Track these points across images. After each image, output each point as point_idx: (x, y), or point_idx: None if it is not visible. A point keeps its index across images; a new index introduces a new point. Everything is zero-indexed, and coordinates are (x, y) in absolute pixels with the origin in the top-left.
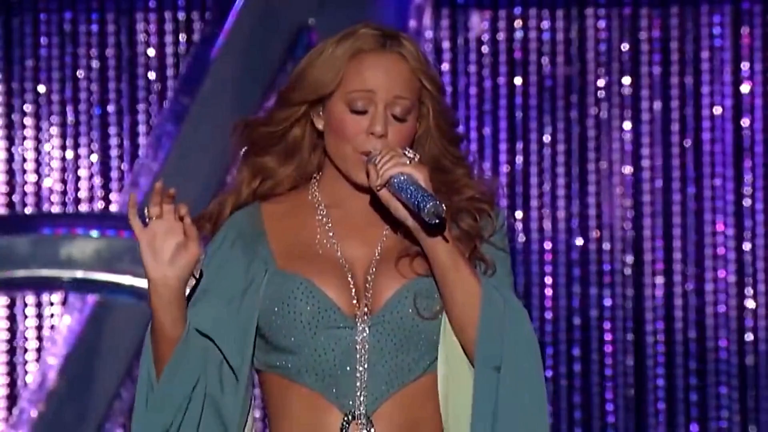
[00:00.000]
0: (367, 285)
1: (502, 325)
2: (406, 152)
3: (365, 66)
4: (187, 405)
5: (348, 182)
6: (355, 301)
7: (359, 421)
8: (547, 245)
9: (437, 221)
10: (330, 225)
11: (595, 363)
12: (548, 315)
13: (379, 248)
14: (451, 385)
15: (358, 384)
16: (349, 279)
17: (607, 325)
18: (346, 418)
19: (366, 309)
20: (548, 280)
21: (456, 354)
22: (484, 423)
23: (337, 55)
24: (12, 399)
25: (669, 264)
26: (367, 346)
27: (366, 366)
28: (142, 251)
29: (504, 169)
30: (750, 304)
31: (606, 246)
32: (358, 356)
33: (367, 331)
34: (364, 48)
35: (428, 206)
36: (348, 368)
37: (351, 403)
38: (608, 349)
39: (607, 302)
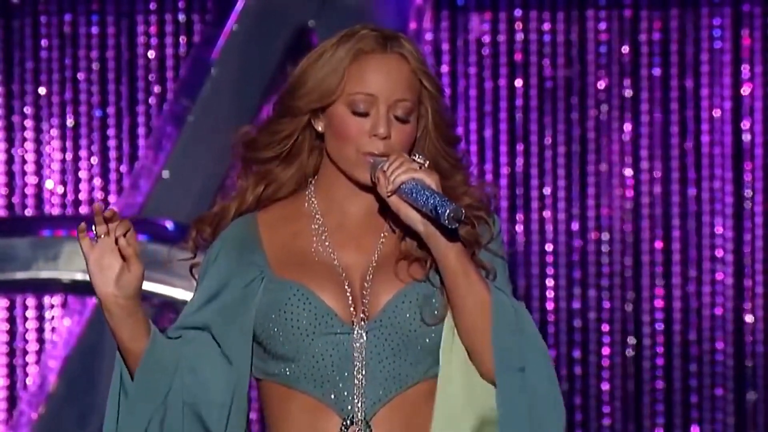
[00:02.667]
0: (364, 291)
1: (517, 327)
2: (416, 158)
3: (367, 68)
4: (162, 413)
5: (347, 184)
6: (352, 308)
7: (358, 426)
8: (548, 247)
9: (456, 225)
10: (326, 232)
11: (594, 365)
12: (549, 317)
13: (376, 254)
14: (448, 391)
15: (356, 389)
16: (346, 286)
17: (606, 328)
18: (344, 423)
19: (363, 314)
20: (549, 282)
21: (458, 360)
22: (515, 425)
23: (337, 57)
24: (12, 401)
25: (668, 266)
26: (365, 352)
27: (364, 371)
28: (90, 270)
29: (504, 170)
30: (748, 306)
31: (605, 248)
32: (356, 361)
33: (365, 337)
34: (365, 49)
35: (448, 211)
36: (346, 373)
37: (350, 407)
38: (607, 351)
39: (607, 304)
